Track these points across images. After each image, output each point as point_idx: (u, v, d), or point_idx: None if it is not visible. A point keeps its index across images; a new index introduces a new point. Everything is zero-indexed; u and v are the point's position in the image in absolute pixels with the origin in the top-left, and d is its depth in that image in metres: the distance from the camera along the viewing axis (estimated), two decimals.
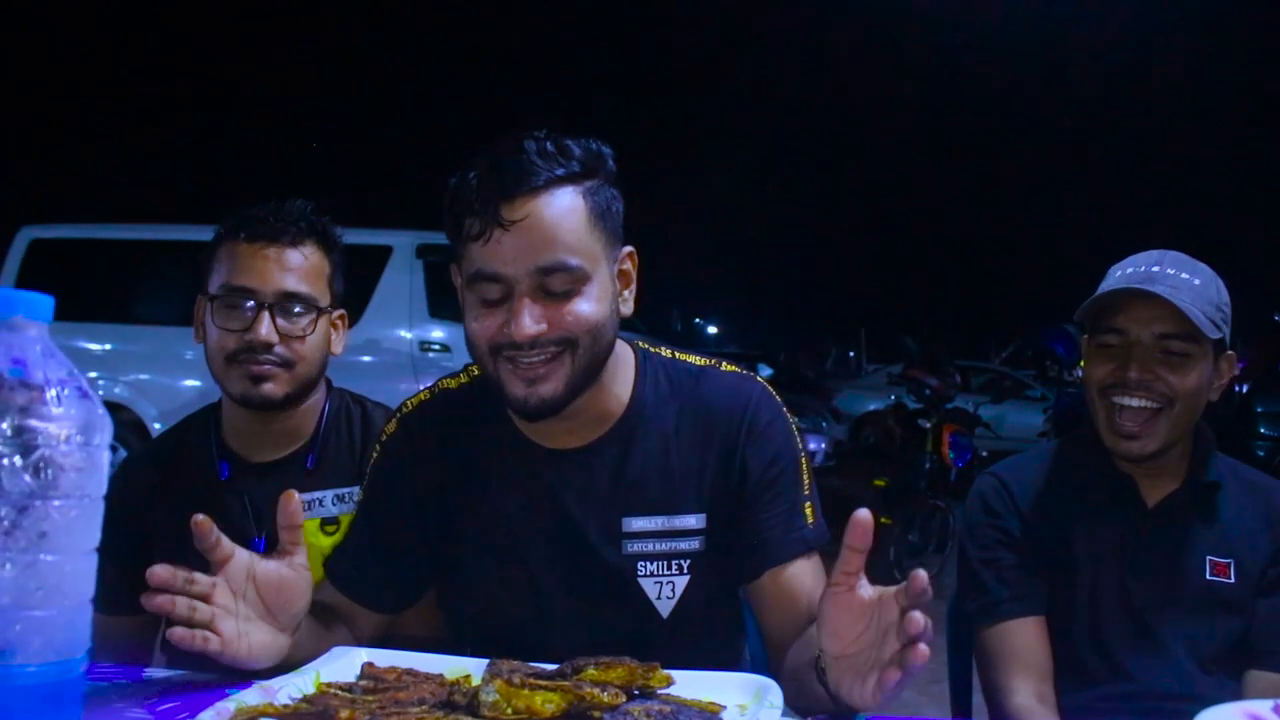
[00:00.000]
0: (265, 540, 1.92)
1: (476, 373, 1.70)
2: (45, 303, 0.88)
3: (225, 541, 1.36)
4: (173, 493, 1.97)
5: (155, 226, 9.58)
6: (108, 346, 9.09)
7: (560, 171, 1.46)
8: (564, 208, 1.46)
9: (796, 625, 1.55)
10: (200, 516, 1.34)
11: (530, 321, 1.44)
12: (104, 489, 0.85)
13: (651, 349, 1.71)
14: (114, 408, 8.86)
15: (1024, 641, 1.86)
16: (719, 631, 1.71)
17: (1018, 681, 1.83)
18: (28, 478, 0.78)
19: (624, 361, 1.65)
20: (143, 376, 8.83)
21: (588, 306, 1.48)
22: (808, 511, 1.63)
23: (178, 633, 1.28)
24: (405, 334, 8.58)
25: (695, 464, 1.61)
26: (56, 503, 0.79)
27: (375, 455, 1.73)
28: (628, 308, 1.60)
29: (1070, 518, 1.92)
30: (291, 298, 1.90)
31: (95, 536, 0.84)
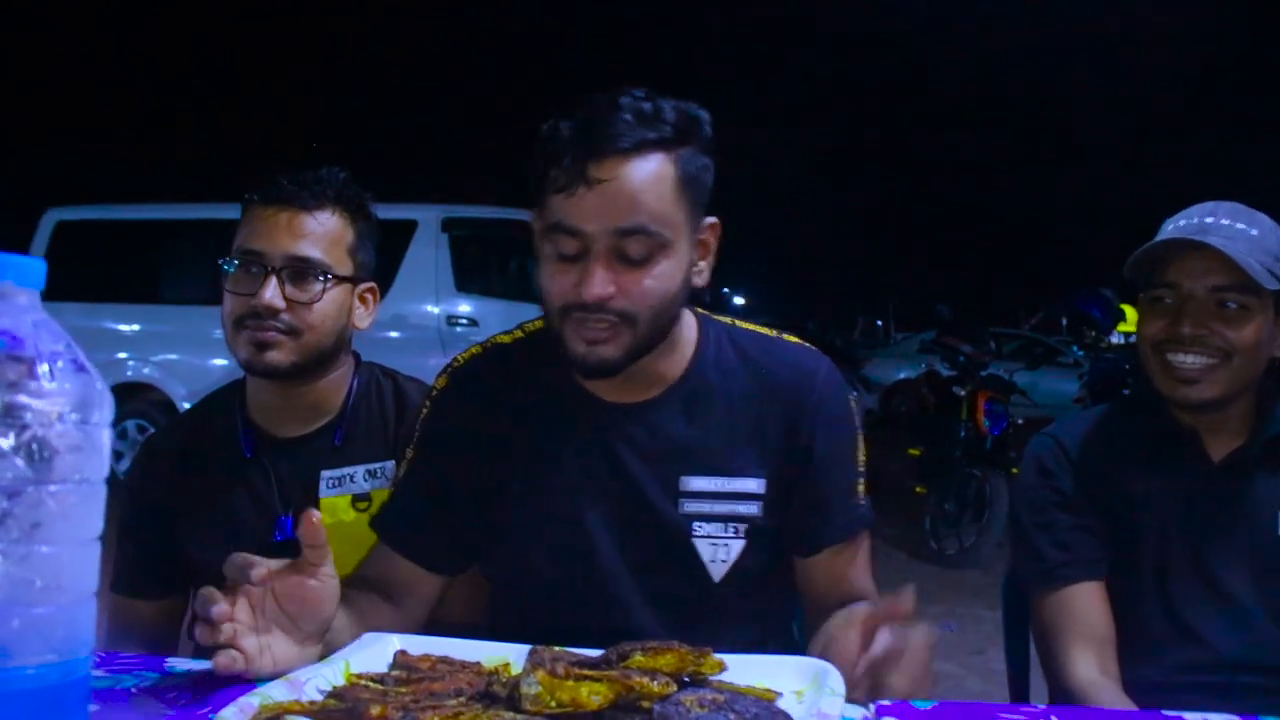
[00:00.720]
0: (292, 518, 1.85)
1: (530, 328, 1.68)
2: (37, 268, 0.80)
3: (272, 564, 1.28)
4: (196, 470, 1.91)
5: (180, 206, 9.57)
6: (136, 327, 9.12)
7: (652, 136, 1.42)
8: (652, 173, 1.43)
9: (841, 604, 1.55)
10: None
11: (600, 284, 1.42)
12: (105, 472, 0.77)
13: (713, 316, 1.68)
14: (143, 388, 8.90)
15: (1083, 608, 1.77)
16: (771, 602, 1.66)
17: (1078, 652, 1.73)
18: (19, 461, 0.70)
19: (686, 324, 1.61)
20: (171, 356, 8.84)
21: (660, 279, 1.45)
22: (860, 489, 1.62)
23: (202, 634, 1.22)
24: (432, 309, 8.54)
25: (757, 429, 1.58)
26: (52, 488, 0.71)
27: (424, 411, 1.68)
28: (701, 279, 1.56)
29: (1132, 477, 1.82)
30: (301, 262, 1.82)
31: (97, 525, 0.76)
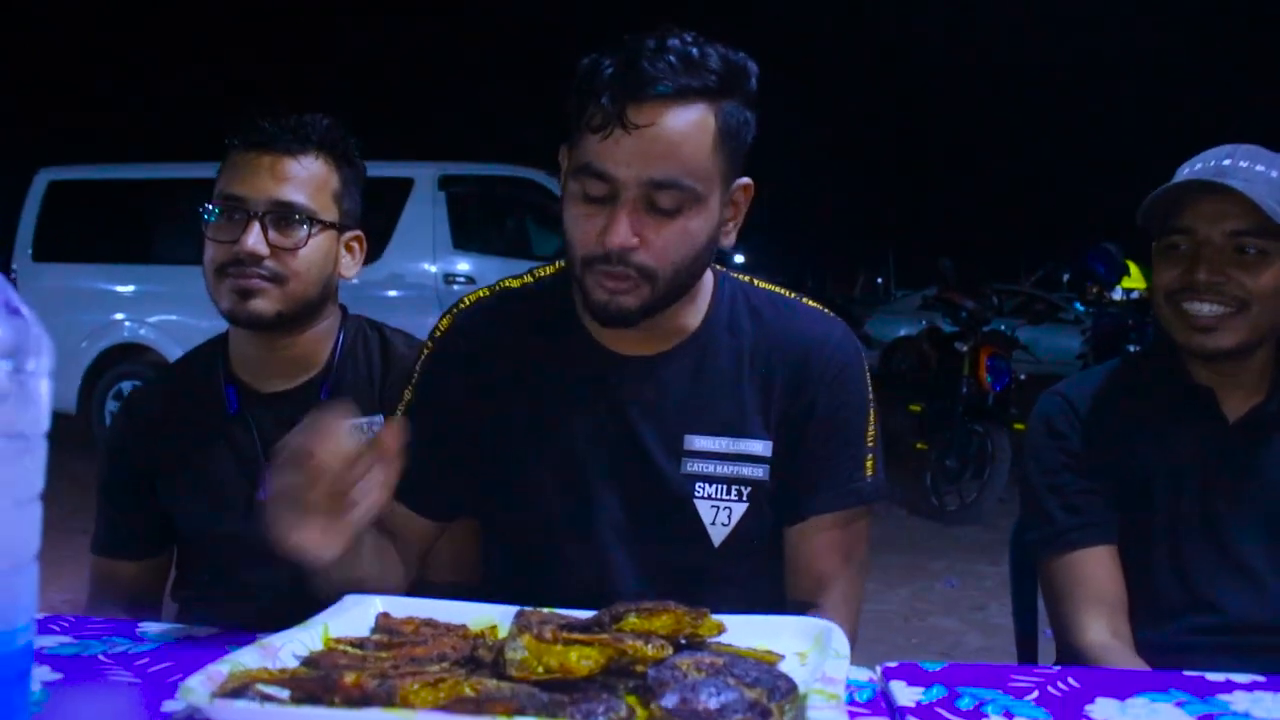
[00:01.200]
0: None
1: (542, 274, 1.64)
2: None
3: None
4: (178, 428, 1.85)
5: (175, 165, 9.41)
6: (131, 288, 9.04)
7: (696, 83, 1.36)
8: (692, 122, 1.37)
9: (811, 586, 1.52)
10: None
11: (624, 234, 1.37)
12: (45, 425, 0.70)
13: (730, 273, 1.63)
14: (139, 349, 8.83)
15: (1094, 572, 1.71)
16: (772, 571, 1.59)
17: (1089, 617, 1.68)
18: None
19: (703, 280, 1.55)
20: (168, 317, 8.74)
21: (686, 236, 1.40)
22: (868, 465, 1.55)
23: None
24: (429, 267, 8.45)
25: (765, 390, 1.53)
26: None
27: (425, 353, 1.63)
28: (728, 240, 1.51)
29: (1144, 436, 1.75)
30: (285, 207, 1.75)
31: (35, 483, 0.69)
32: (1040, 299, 18.95)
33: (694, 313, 1.55)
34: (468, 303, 1.64)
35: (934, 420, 7.71)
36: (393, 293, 8.16)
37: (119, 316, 8.95)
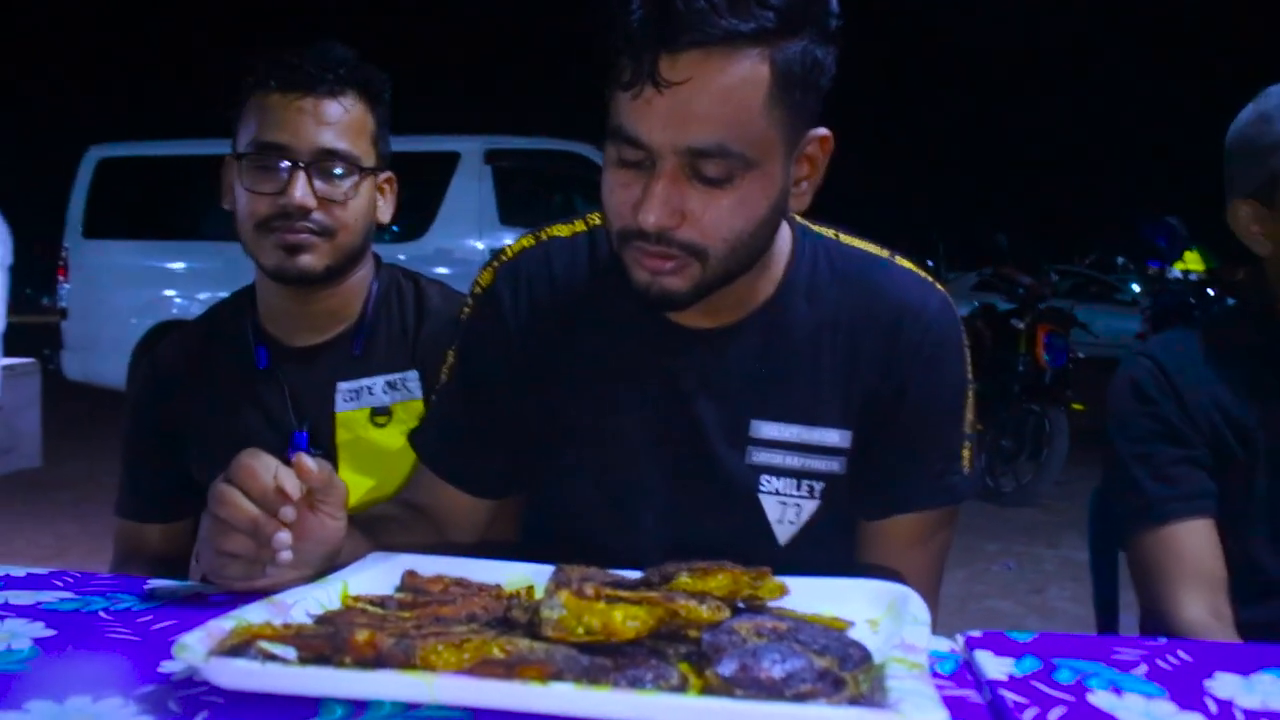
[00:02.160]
0: (307, 434, 1.70)
1: (595, 221, 1.42)
2: None
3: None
4: (205, 385, 1.76)
5: (222, 141, 9.38)
6: (181, 264, 9.08)
7: (748, 27, 1.10)
8: (739, 77, 1.11)
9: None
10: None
11: (663, 210, 1.14)
12: (1, 323, 0.59)
13: (813, 226, 1.40)
14: None
15: (1192, 546, 1.56)
16: (842, 568, 1.42)
17: (1187, 593, 1.53)
18: None
19: (781, 236, 1.33)
20: (219, 293, 8.69)
21: (740, 207, 1.17)
22: (965, 456, 1.36)
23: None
24: (477, 244, 8.37)
25: (847, 370, 1.32)
26: None
27: (467, 311, 1.46)
28: (801, 202, 1.27)
29: (1242, 402, 1.59)
30: (331, 156, 1.64)
31: None
32: (1096, 279, 18.59)
33: (767, 279, 1.33)
34: (511, 254, 1.46)
35: (988, 400, 7.51)
36: (440, 269, 8.10)
37: (169, 293, 9.01)
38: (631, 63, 1.12)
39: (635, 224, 1.17)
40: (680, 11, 1.08)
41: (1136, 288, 16.87)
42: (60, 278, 9.18)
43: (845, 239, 1.40)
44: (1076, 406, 6.89)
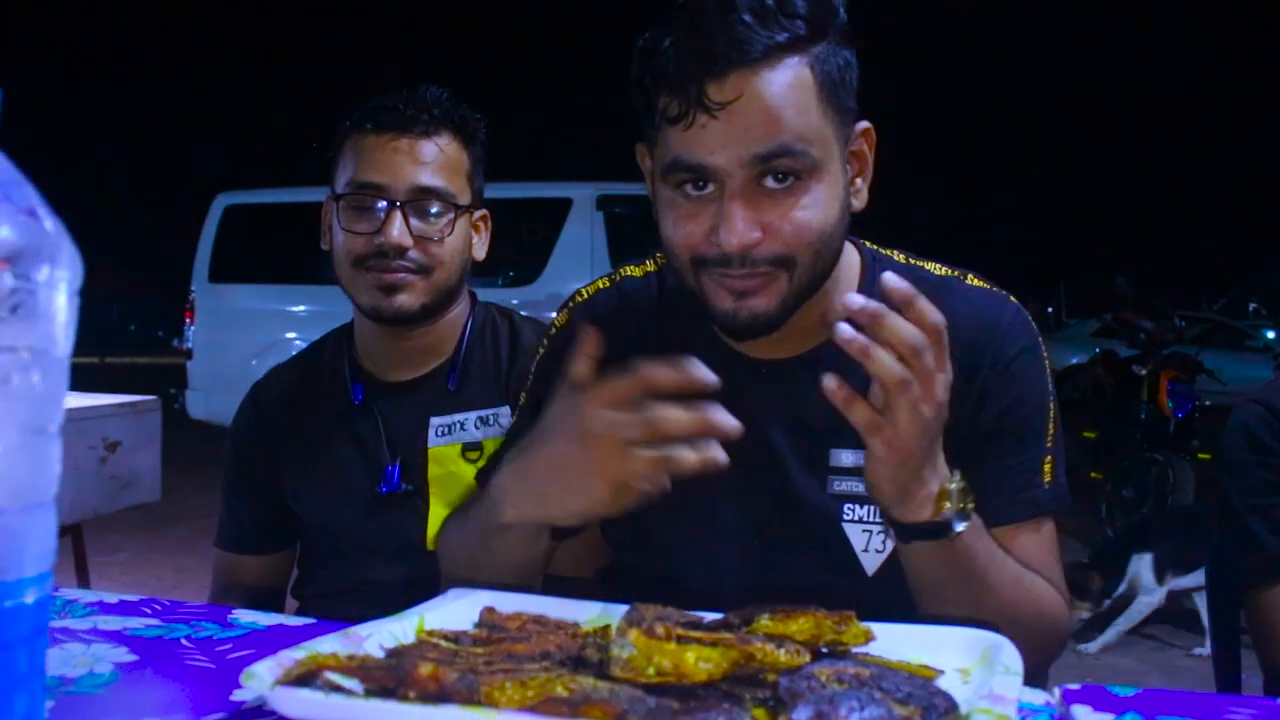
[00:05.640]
0: (400, 467, 1.71)
1: (665, 261, 1.41)
2: None
3: None
4: (303, 420, 1.79)
5: None
6: (302, 307, 9.33)
7: (783, 37, 1.13)
8: (787, 83, 1.14)
9: None
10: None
11: (744, 227, 1.15)
12: (64, 347, 0.60)
13: (882, 250, 1.40)
14: None
15: None
16: None
17: None
18: None
19: (848, 262, 1.33)
20: None
21: (815, 209, 1.17)
22: (1047, 468, 1.31)
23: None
24: None
25: None
26: None
27: (541, 350, 1.49)
28: (860, 200, 1.27)
29: None
30: (426, 194, 1.67)
31: (48, 413, 0.59)
32: (1225, 325, 17.89)
33: (839, 303, 1.33)
34: (585, 295, 1.48)
35: (1109, 448, 7.25)
36: (552, 314, 8.16)
37: (290, 335, 9.25)
38: (677, 95, 1.14)
39: (713, 250, 1.17)
40: (715, 36, 1.12)
41: (1271, 334, 16.19)
42: (187, 320, 9.53)
43: (912, 260, 1.39)
44: (1203, 456, 6.60)
